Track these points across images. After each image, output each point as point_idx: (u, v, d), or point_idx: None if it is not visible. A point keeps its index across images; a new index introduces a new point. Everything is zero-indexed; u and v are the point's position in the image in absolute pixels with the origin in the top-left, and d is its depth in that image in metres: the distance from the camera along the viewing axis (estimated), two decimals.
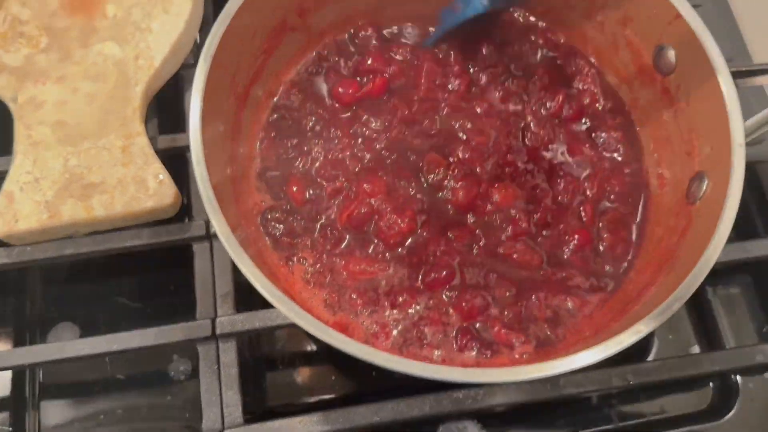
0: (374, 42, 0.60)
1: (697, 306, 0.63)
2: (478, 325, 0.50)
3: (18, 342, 0.61)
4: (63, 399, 0.60)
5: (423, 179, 0.54)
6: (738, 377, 0.59)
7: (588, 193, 0.53)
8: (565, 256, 0.52)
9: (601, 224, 0.53)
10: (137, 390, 0.60)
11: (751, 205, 0.63)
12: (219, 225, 0.42)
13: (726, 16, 0.68)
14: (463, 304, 0.50)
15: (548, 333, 0.49)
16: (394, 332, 0.50)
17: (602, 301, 0.51)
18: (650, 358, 0.61)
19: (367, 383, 0.60)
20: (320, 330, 0.40)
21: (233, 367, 0.54)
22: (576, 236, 0.52)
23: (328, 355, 0.62)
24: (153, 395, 0.60)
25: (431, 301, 0.51)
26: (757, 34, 0.67)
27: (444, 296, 0.51)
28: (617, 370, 0.54)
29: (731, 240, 0.61)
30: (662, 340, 0.62)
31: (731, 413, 0.58)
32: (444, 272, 0.51)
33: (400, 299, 0.50)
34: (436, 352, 0.49)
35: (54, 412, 0.59)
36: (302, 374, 0.61)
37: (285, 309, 0.41)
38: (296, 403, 0.60)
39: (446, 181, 0.53)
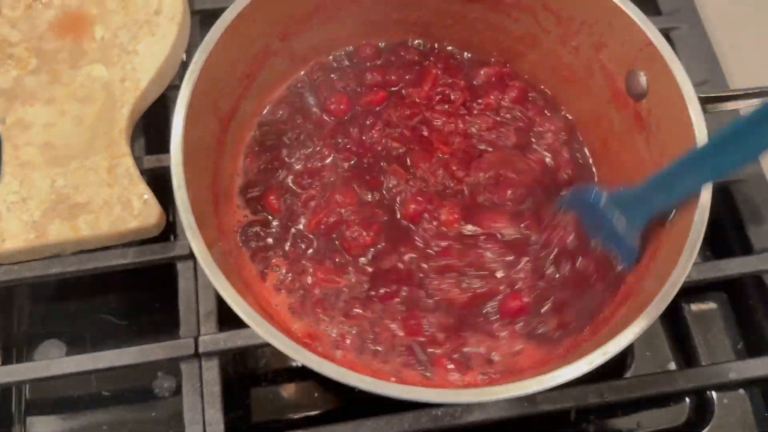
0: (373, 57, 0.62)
1: (674, 323, 0.64)
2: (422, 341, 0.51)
3: (5, 359, 0.62)
4: (49, 415, 0.60)
5: (385, 191, 0.56)
6: (713, 393, 0.60)
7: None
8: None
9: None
10: (122, 406, 0.61)
11: (725, 224, 0.64)
12: (198, 249, 0.43)
13: (701, 38, 0.70)
14: (411, 321, 0.51)
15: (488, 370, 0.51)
16: (348, 341, 0.51)
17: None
18: (628, 374, 0.62)
19: (349, 399, 0.61)
20: (294, 350, 0.41)
21: (216, 385, 0.55)
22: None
23: (311, 371, 0.62)
24: (138, 411, 0.61)
25: (383, 313, 0.52)
26: (731, 56, 0.69)
27: (396, 308, 0.52)
28: (593, 387, 0.55)
29: (707, 259, 0.63)
30: (640, 357, 0.63)
31: (707, 429, 0.59)
32: (393, 286, 0.53)
33: (355, 310, 0.52)
34: (385, 366, 0.50)
35: (40, 427, 0.60)
36: (286, 390, 0.62)
37: (260, 330, 0.41)
38: (280, 419, 0.61)
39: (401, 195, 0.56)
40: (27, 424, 0.60)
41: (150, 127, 0.67)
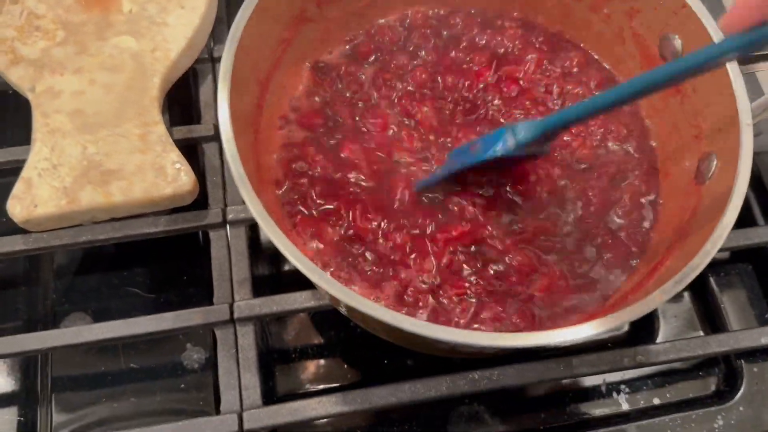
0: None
1: (701, 294, 0.64)
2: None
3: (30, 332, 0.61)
4: (75, 390, 0.59)
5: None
6: (742, 362, 0.61)
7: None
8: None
9: (618, 209, 0.54)
10: (150, 379, 0.60)
11: (749, 194, 0.65)
12: (249, 198, 0.43)
13: (716, 5, 0.71)
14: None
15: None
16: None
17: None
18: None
19: (378, 372, 0.61)
20: (360, 303, 0.41)
21: (251, 350, 0.55)
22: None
23: (337, 346, 0.62)
24: (166, 384, 0.60)
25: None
26: None
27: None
28: (628, 351, 0.55)
29: (732, 227, 0.63)
30: (668, 327, 0.64)
31: (737, 396, 0.59)
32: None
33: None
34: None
35: (66, 404, 0.59)
36: (312, 366, 0.62)
37: (320, 281, 0.41)
38: (309, 392, 0.60)
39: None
40: (53, 401, 0.59)
41: (174, 102, 0.67)
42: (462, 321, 0.50)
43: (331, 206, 0.54)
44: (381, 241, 0.53)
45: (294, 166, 0.55)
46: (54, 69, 0.61)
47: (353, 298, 0.40)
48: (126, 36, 0.63)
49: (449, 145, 0.57)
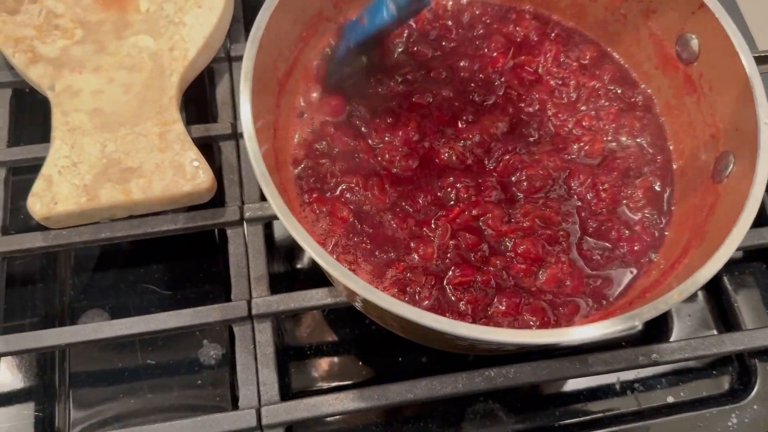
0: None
1: (715, 293, 0.64)
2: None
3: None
4: (93, 386, 0.60)
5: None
6: (756, 361, 0.61)
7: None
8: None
9: (632, 204, 0.55)
10: (167, 375, 0.60)
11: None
12: (273, 198, 0.43)
13: (732, 8, 0.71)
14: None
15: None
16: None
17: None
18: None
19: (393, 369, 0.61)
20: (382, 299, 0.41)
21: (269, 346, 0.55)
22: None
23: (352, 343, 0.63)
24: (183, 380, 0.60)
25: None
26: (760, 24, 0.70)
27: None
28: (643, 350, 0.55)
29: None
30: (682, 326, 0.64)
31: (751, 395, 0.60)
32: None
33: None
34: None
35: (84, 399, 0.59)
36: (327, 363, 0.62)
37: (344, 278, 0.41)
38: (324, 389, 0.61)
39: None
40: (72, 397, 0.59)
41: (191, 101, 0.68)
42: (470, 314, 0.50)
43: (351, 182, 0.55)
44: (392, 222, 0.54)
45: (315, 146, 0.56)
46: (73, 68, 0.62)
47: (376, 294, 0.41)
48: (144, 35, 0.63)
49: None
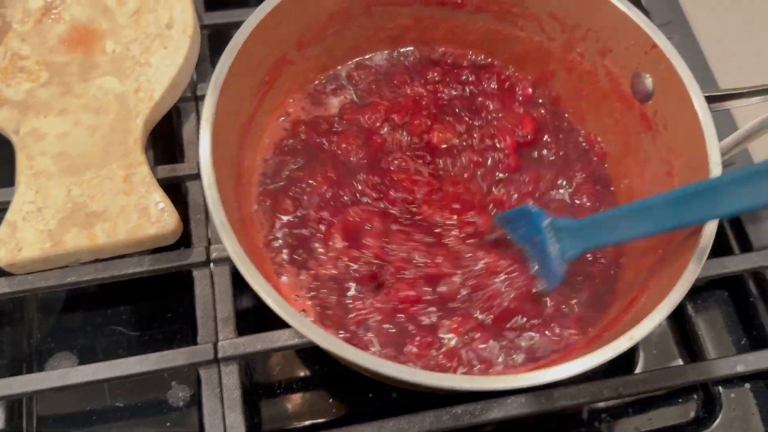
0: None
1: (679, 322, 0.65)
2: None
3: (14, 373, 0.61)
4: (61, 429, 0.59)
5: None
6: (720, 389, 0.62)
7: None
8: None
9: None
10: (137, 418, 0.60)
11: (724, 223, 0.67)
12: (232, 246, 0.43)
13: (693, 45, 0.74)
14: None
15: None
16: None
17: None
18: (637, 371, 0.63)
19: (363, 405, 0.62)
20: (341, 348, 0.41)
21: (236, 389, 0.55)
22: None
23: (322, 379, 0.63)
24: (152, 421, 0.60)
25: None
26: (721, 61, 0.72)
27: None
28: (608, 383, 0.56)
29: (709, 257, 0.65)
30: (647, 356, 0.65)
31: (716, 423, 0.61)
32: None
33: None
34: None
35: None
36: (298, 400, 0.62)
37: (302, 327, 0.42)
38: (294, 428, 0.61)
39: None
40: None
41: (158, 140, 0.68)
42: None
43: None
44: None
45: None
46: (38, 110, 0.62)
47: (340, 347, 0.41)
48: (110, 77, 0.64)
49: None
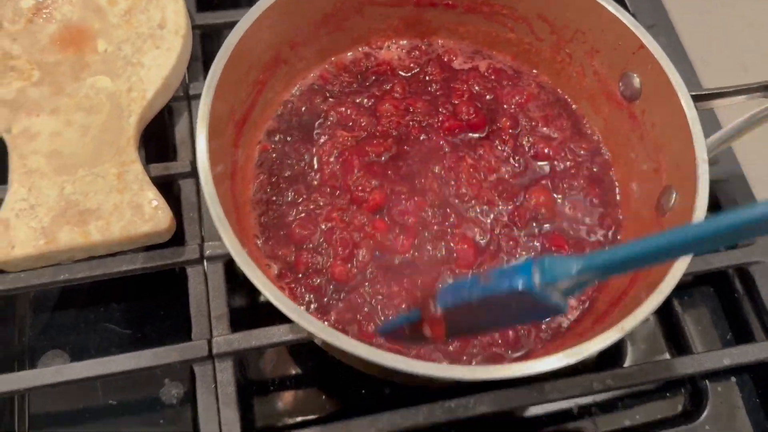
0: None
1: (666, 318, 0.66)
2: None
3: (6, 371, 0.61)
4: (53, 429, 0.59)
5: None
6: (707, 383, 0.63)
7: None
8: None
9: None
10: (129, 415, 0.60)
11: None
12: (229, 240, 0.44)
13: (677, 47, 0.75)
14: None
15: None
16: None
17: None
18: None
19: (356, 402, 0.62)
20: (341, 340, 0.42)
21: (230, 386, 0.55)
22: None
23: (315, 375, 0.63)
24: (145, 419, 0.60)
25: None
26: (705, 62, 0.74)
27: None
28: (598, 376, 0.57)
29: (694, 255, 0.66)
30: (635, 351, 0.66)
31: (703, 416, 0.62)
32: None
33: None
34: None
35: None
36: (291, 397, 0.62)
37: (301, 320, 0.42)
38: (288, 425, 0.61)
39: None
40: None
41: (150, 140, 0.68)
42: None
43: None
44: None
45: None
46: (30, 110, 0.62)
47: (338, 338, 0.42)
48: (102, 76, 0.64)
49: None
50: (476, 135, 0.60)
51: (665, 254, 0.37)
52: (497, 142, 0.59)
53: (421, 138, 0.59)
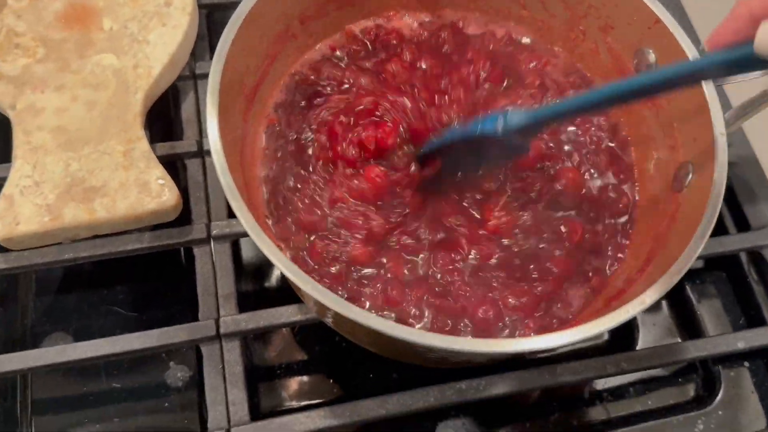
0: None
1: (678, 301, 0.66)
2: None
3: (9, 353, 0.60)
4: (57, 413, 0.58)
5: None
6: (720, 368, 0.62)
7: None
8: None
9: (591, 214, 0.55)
10: (134, 399, 0.59)
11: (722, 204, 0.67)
12: (242, 214, 0.43)
13: (684, 21, 0.74)
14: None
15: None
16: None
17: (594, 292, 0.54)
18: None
19: (362, 386, 0.61)
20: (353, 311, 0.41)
21: (238, 365, 0.54)
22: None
23: (321, 360, 0.62)
24: (150, 403, 0.59)
25: None
26: None
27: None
28: (611, 359, 0.56)
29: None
30: (647, 334, 0.65)
31: (716, 401, 0.61)
32: None
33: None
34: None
35: (47, 426, 0.57)
36: (296, 382, 0.61)
37: (313, 291, 0.41)
38: (295, 408, 0.60)
39: None
40: (34, 424, 0.57)
41: (155, 119, 0.67)
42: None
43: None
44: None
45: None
46: (35, 86, 0.61)
47: (349, 309, 0.41)
48: (107, 53, 0.63)
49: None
50: (498, 87, 0.59)
51: (605, 102, 0.47)
52: (522, 92, 0.58)
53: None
